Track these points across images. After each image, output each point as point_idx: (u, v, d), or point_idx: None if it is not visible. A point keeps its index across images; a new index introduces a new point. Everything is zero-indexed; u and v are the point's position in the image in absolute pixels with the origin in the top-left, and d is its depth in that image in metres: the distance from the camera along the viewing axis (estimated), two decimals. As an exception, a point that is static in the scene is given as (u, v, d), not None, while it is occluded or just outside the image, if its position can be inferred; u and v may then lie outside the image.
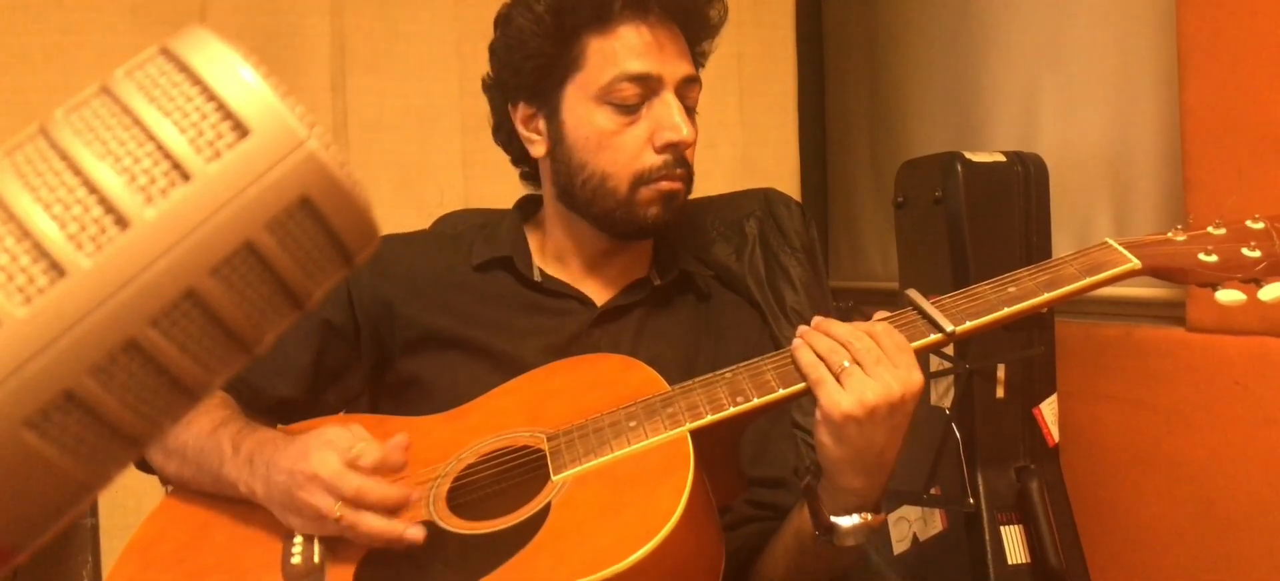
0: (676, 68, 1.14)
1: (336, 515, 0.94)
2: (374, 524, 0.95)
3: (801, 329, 0.98)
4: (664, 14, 1.14)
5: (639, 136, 1.13)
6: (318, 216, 0.39)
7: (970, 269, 1.71)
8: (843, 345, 0.93)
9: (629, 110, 1.13)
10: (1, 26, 1.84)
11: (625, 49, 1.12)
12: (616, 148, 1.14)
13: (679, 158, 1.14)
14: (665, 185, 1.14)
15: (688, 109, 1.16)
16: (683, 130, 1.13)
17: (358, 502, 0.95)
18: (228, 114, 0.37)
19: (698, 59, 1.21)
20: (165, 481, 1.13)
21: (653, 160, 1.13)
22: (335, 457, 0.96)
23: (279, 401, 1.17)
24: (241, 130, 0.37)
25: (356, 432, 0.99)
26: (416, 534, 0.95)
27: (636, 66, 1.12)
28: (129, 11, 1.90)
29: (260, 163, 0.37)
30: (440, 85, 2.10)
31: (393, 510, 0.96)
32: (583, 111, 1.14)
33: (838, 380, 0.92)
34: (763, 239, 1.41)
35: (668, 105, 1.13)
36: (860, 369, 0.92)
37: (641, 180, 1.14)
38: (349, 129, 2.05)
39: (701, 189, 1.36)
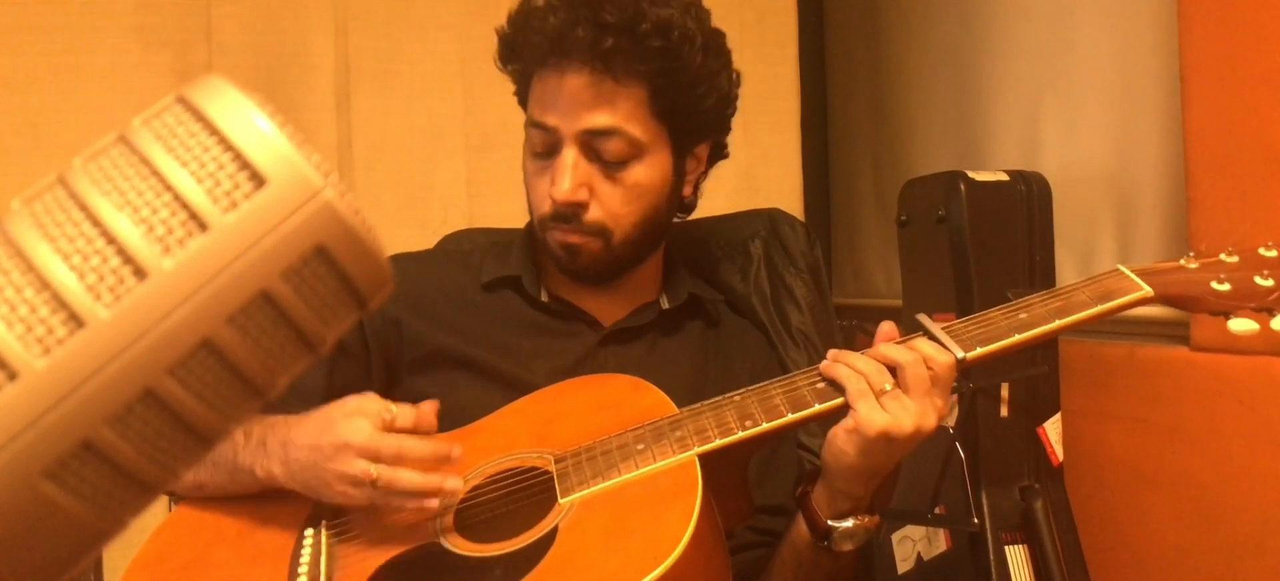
0: (576, 121, 1.09)
1: (374, 476, 0.95)
2: (412, 479, 0.95)
3: (834, 352, 1.00)
4: (582, 61, 1.07)
5: (545, 185, 1.14)
6: (333, 264, 0.39)
7: (973, 287, 1.70)
8: (890, 367, 0.95)
9: (539, 156, 1.14)
10: (6, 46, 1.83)
11: (538, 96, 1.13)
12: (532, 186, 1.17)
13: (566, 216, 1.12)
14: (556, 235, 1.15)
15: (610, 162, 1.11)
16: (561, 188, 1.10)
17: (399, 461, 0.96)
18: (244, 164, 0.38)
19: (662, 103, 1.12)
20: (178, 492, 1.12)
21: (549, 208, 1.14)
22: (367, 423, 0.97)
23: None
24: (258, 180, 0.38)
25: (381, 401, 1.00)
26: (454, 484, 0.97)
27: (537, 115, 1.12)
28: (134, 32, 1.89)
29: (277, 213, 0.37)
30: (444, 105, 2.10)
31: (433, 467, 0.97)
32: (525, 142, 1.18)
33: (877, 399, 0.94)
34: (768, 259, 1.41)
35: (558, 161, 1.11)
36: (904, 394, 0.94)
37: (542, 225, 1.16)
38: (353, 149, 2.05)
39: (705, 209, 1.36)
